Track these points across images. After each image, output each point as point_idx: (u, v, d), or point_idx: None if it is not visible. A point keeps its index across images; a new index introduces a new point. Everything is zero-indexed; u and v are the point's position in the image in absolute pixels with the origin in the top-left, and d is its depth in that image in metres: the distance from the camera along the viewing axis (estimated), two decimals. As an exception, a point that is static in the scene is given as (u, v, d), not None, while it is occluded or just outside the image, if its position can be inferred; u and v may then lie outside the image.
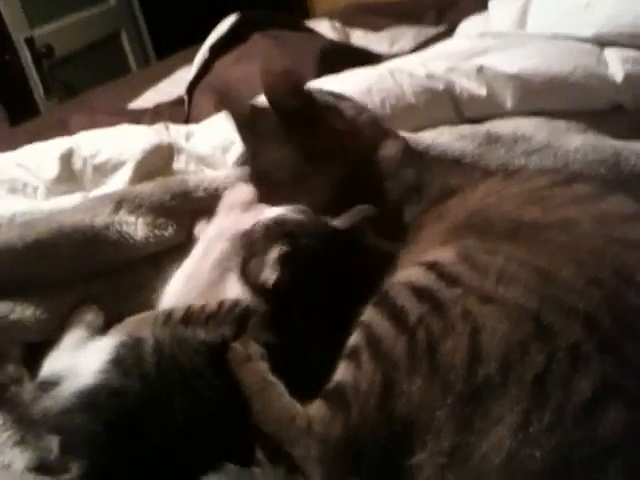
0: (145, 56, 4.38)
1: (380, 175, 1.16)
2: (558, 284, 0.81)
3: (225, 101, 1.28)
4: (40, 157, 1.33)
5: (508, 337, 0.77)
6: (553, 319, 0.77)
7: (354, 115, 1.21)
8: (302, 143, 1.14)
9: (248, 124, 1.19)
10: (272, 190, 1.12)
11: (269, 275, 0.96)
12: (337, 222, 1.05)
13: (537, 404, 0.73)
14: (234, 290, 1.04)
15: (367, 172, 1.15)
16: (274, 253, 0.97)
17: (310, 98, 1.19)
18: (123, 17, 4.28)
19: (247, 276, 1.01)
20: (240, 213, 1.12)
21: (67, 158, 1.30)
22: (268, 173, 1.16)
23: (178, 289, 1.09)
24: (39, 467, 0.86)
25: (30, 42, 3.55)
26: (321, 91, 1.25)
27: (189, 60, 2.41)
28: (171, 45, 3.23)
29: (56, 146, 1.33)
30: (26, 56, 3.56)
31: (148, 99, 2.42)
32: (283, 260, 0.96)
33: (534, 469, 0.71)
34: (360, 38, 2.44)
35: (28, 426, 0.91)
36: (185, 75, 2.27)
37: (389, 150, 1.19)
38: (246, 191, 1.15)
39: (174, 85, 2.45)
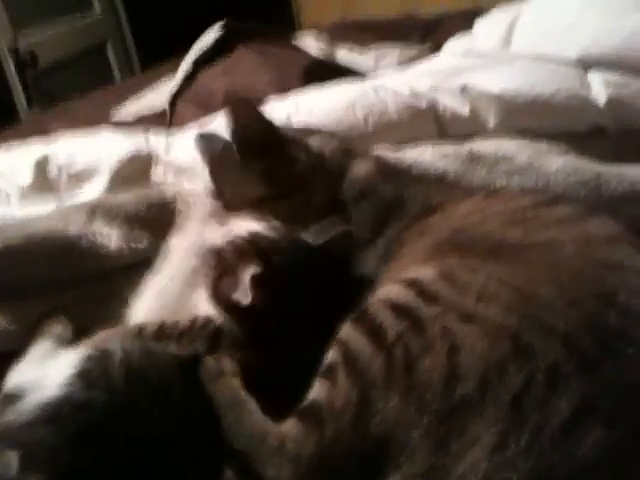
0: (130, 68, 4.38)
1: (353, 197, 1.14)
2: (538, 304, 0.80)
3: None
4: (15, 163, 1.31)
5: (487, 356, 0.76)
6: (533, 338, 0.76)
7: (321, 146, 1.20)
8: (267, 177, 1.13)
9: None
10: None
11: (242, 297, 0.94)
12: (311, 238, 1.03)
13: (514, 425, 0.71)
14: (205, 307, 1.02)
15: (339, 196, 1.14)
16: (247, 274, 0.94)
17: (274, 129, 1.18)
18: (109, 28, 4.28)
19: (218, 296, 0.99)
20: (209, 227, 1.09)
21: (42, 165, 1.28)
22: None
23: (148, 305, 1.06)
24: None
25: (14, 51, 3.53)
26: (287, 127, 1.24)
27: (173, 71, 2.40)
28: (157, 57, 3.22)
29: (31, 153, 1.31)
30: (9, 65, 3.53)
31: (130, 110, 2.40)
32: (257, 281, 0.94)
33: (511, 491, 0.69)
34: (346, 54, 2.43)
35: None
36: (167, 85, 2.26)
37: (360, 170, 1.18)
38: (214, 203, 1.12)
39: (157, 95, 2.43)
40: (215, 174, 1.15)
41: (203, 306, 1.02)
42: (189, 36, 2.21)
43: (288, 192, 1.11)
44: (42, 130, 1.97)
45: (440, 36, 2.30)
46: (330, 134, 1.25)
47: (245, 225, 1.02)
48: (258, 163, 1.12)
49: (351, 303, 0.91)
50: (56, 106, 2.91)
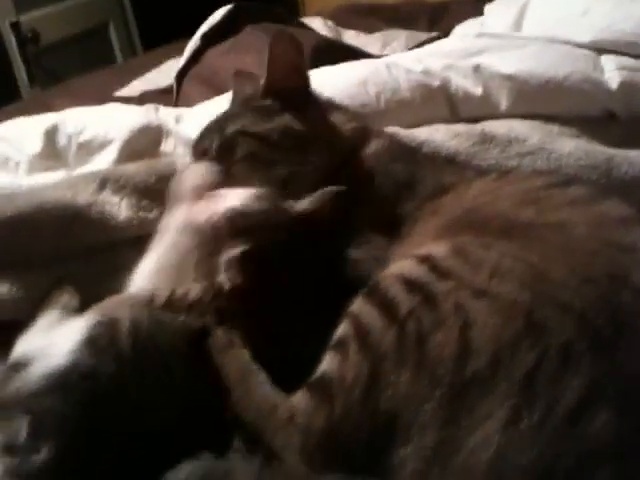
0: (132, 48, 4.34)
1: (367, 172, 1.13)
2: (552, 281, 0.79)
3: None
4: (24, 132, 1.30)
5: (499, 332, 0.75)
6: (546, 316, 0.76)
7: (342, 121, 1.20)
8: (288, 125, 1.12)
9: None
10: (237, 167, 1.08)
11: (223, 279, 0.93)
12: (300, 205, 1.01)
13: (527, 401, 0.71)
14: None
15: (353, 170, 1.13)
16: (227, 255, 0.94)
17: (308, 84, 1.17)
18: (111, 8, 4.24)
19: (207, 278, 0.98)
20: (195, 203, 1.05)
21: (51, 134, 1.26)
22: (237, 145, 1.11)
23: (146, 279, 1.05)
24: (7, 449, 0.82)
25: (16, 27, 3.50)
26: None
27: (176, 53, 2.39)
28: (158, 39, 3.20)
29: (40, 122, 1.29)
30: (11, 40, 3.51)
31: (135, 88, 2.39)
32: (243, 260, 0.93)
33: (523, 465, 0.69)
34: (352, 39, 2.42)
35: (-2, 407, 0.87)
36: (174, 66, 2.25)
37: (373, 147, 1.17)
38: (199, 174, 1.08)
39: (162, 75, 2.42)
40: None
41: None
42: (191, 19, 2.19)
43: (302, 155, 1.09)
44: (45, 107, 1.96)
45: (447, 22, 2.29)
46: (352, 113, 1.24)
47: (226, 201, 0.99)
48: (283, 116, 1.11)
49: (361, 280, 0.91)
50: (58, 84, 2.90)
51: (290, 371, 0.89)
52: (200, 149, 1.14)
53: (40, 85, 3.49)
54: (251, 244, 0.94)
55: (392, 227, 1.05)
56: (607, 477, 0.68)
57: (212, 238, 0.97)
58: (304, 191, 1.03)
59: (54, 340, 0.90)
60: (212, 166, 1.08)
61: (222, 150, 1.10)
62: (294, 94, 1.14)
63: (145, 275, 1.05)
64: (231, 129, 1.10)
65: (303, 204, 1.01)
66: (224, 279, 0.93)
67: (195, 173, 1.09)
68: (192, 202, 1.05)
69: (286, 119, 1.12)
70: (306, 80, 1.18)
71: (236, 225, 0.97)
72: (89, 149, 1.26)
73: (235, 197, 1.00)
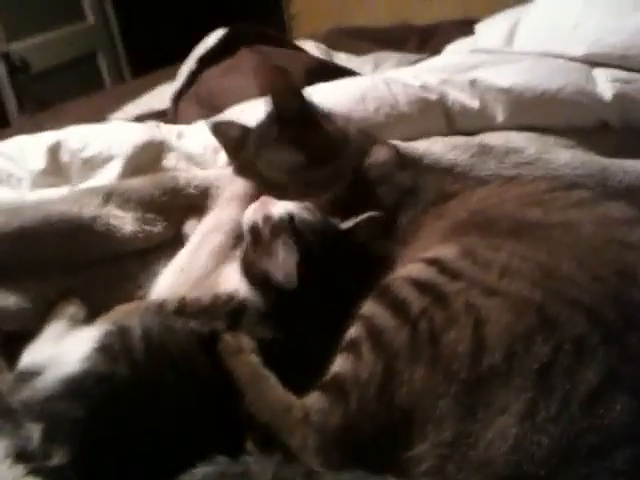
0: (120, 76, 4.37)
1: (373, 180, 1.16)
2: (562, 279, 0.81)
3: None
4: (26, 149, 1.30)
5: (513, 328, 0.76)
6: (557, 311, 0.77)
7: (345, 124, 1.22)
8: (300, 144, 1.14)
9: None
10: (273, 187, 1.11)
11: (275, 272, 0.95)
12: (343, 224, 1.04)
13: (543, 393, 0.72)
14: (230, 282, 1.03)
15: (360, 177, 1.15)
16: (285, 252, 0.95)
17: (307, 100, 1.19)
18: (101, 37, 4.27)
19: (249, 270, 1.00)
20: (239, 206, 1.09)
21: (55, 151, 1.27)
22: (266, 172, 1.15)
23: (170, 280, 1.06)
24: (19, 455, 0.81)
25: (5, 56, 3.51)
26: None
27: (165, 78, 2.41)
28: (147, 67, 3.22)
29: (43, 138, 1.30)
30: (1, 70, 3.52)
31: (129, 112, 2.40)
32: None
33: (540, 456, 0.69)
34: (344, 61, 2.45)
35: (6, 415, 0.86)
36: (167, 90, 2.27)
37: (380, 156, 1.20)
38: (245, 185, 1.13)
39: (156, 99, 2.44)
40: (232, 156, 1.17)
41: (230, 281, 1.03)
42: (179, 47, 2.22)
43: (320, 160, 1.11)
44: (38, 127, 1.96)
45: (436, 43, 2.33)
46: (348, 118, 1.26)
47: (282, 205, 1.02)
48: (292, 130, 1.13)
49: (369, 284, 0.92)
50: (47, 111, 2.90)
51: (298, 376, 0.89)
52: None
53: (29, 113, 3.49)
54: (299, 246, 0.96)
55: (398, 232, 1.06)
56: (625, 460, 0.69)
57: (261, 236, 0.99)
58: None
59: (65, 349, 0.90)
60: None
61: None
62: (295, 113, 1.16)
63: (175, 270, 1.06)
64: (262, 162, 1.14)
65: (348, 224, 1.04)
66: (276, 270, 0.94)
67: (242, 184, 1.13)
68: (238, 206, 1.08)
69: (292, 147, 1.14)
70: (300, 95, 1.19)
71: (288, 225, 0.99)
72: (93, 165, 1.27)
73: (288, 204, 1.03)
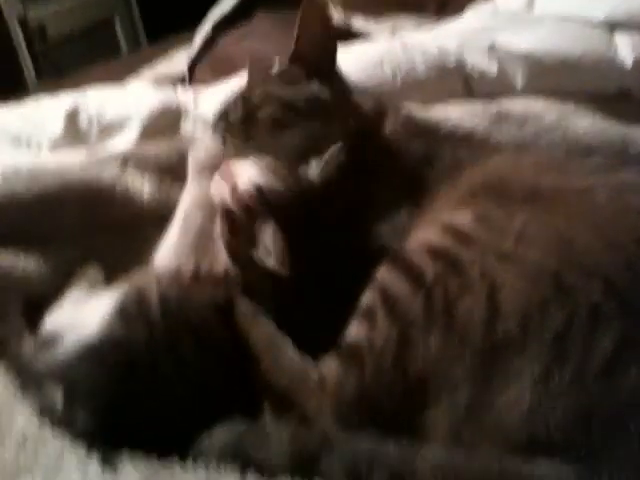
0: (137, 43, 4.35)
1: (387, 147, 1.14)
2: (578, 246, 0.80)
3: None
4: (45, 112, 1.31)
5: (528, 295, 0.77)
6: (573, 279, 0.77)
7: (362, 100, 1.20)
8: (314, 92, 1.13)
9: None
10: (257, 135, 1.09)
11: (263, 256, 0.94)
12: (310, 172, 1.01)
13: (558, 360, 0.72)
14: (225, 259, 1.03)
15: (373, 145, 1.14)
16: (266, 234, 0.94)
17: (335, 55, 1.18)
18: (117, 2, 4.25)
19: (234, 255, 0.99)
20: (209, 176, 1.04)
21: (73, 115, 1.28)
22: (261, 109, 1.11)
23: (165, 256, 1.06)
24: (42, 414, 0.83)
25: (23, 22, 3.51)
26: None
27: (182, 44, 2.39)
28: (163, 32, 3.20)
29: (62, 102, 1.30)
30: (18, 36, 3.52)
31: (145, 78, 2.39)
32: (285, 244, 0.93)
33: (555, 422, 0.70)
34: (361, 25, 2.42)
35: (30, 378, 0.88)
36: (184, 56, 2.26)
37: (391, 124, 1.18)
38: (209, 150, 1.09)
39: (173, 65, 2.42)
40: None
41: (223, 258, 1.03)
42: (196, 12, 2.20)
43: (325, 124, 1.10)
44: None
45: (456, 7, 2.28)
46: (368, 94, 1.25)
47: (247, 176, 0.98)
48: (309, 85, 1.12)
49: (381, 253, 0.92)
50: (65, 77, 2.90)
51: (313, 343, 0.90)
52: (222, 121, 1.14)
53: (47, 79, 3.50)
54: (278, 222, 0.94)
55: (412, 200, 1.06)
56: None
57: (237, 218, 0.97)
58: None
59: (84, 313, 0.91)
60: (217, 138, 1.08)
61: (246, 117, 1.10)
62: (321, 63, 1.14)
63: (166, 252, 1.06)
64: (255, 93, 1.10)
65: (312, 169, 1.00)
66: (263, 255, 0.93)
67: (205, 149, 1.09)
68: (204, 178, 1.06)
69: (312, 87, 1.13)
70: (333, 51, 1.17)
71: (258, 202, 0.97)
72: (110, 129, 1.27)
73: (251, 171, 0.99)
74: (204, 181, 1.06)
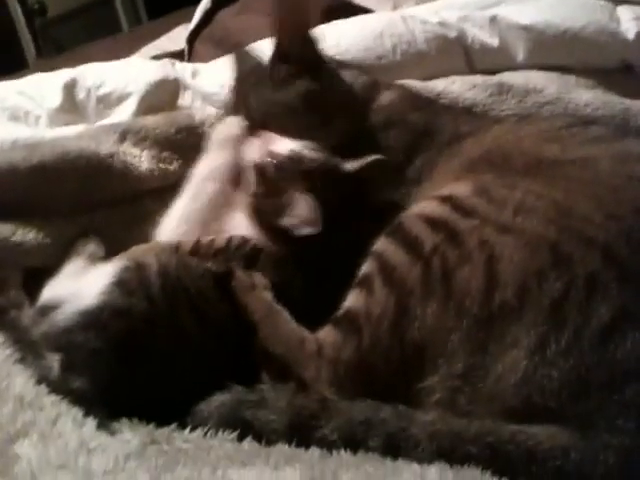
0: (138, 20, 4.32)
1: (380, 123, 1.14)
2: (577, 216, 0.80)
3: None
4: (43, 86, 1.30)
5: (526, 264, 0.77)
6: (571, 249, 0.77)
7: (352, 77, 1.20)
8: (307, 89, 1.12)
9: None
10: (271, 126, 1.08)
11: (292, 222, 0.95)
12: (350, 165, 1.03)
13: (554, 328, 0.73)
14: (237, 229, 1.03)
15: (367, 123, 1.13)
16: (306, 202, 0.95)
17: (316, 49, 1.17)
18: (117, -20, 4.22)
19: (261, 217, 1.00)
20: (232, 149, 1.07)
21: (70, 88, 1.27)
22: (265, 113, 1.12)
23: (173, 229, 1.06)
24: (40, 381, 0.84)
25: (22, 0, 3.49)
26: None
27: (182, 21, 2.37)
28: (164, 10, 3.19)
29: (59, 76, 1.30)
30: (17, 13, 3.50)
31: (145, 54, 2.38)
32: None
33: (550, 389, 0.71)
34: (363, 1, 2.40)
35: (28, 347, 0.88)
36: (183, 32, 2.24)
37: (386, 98, 1.18)
38: (236, 124, 1.09)
39: (172, 42, 2.41)
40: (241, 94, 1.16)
41: (237, 228, 1.03)
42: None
43: (326, 116, 1.10)
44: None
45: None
46: (358, 72, 1.24)
47: (286, 143, 1.01)
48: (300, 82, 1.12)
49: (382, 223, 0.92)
50: (64, 54, 2.89)
51: (311, 313, 0.91)
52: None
53: (47, 56, 3.49)
54: (311, 190, 0.96)
55: (412, 173, 1.06)
56: (636, 394, 0.69)
57: (268, 178, 0.99)
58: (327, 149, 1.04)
59: (83, 283, 0.92)
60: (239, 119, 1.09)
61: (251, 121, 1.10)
62: (304, 56, 1.13)
63: (175, 220, 1.06)
64: (254, 101, 1.10)
65: (352, 165, 1.02)
66: (292, 221, 0.95)
67: (233, 124, 1.09)
68: (232, 149, 1.06)
69: (302, 85, 1.12)
70: (314, 41, 1.16)
71: (295, 165, 0.98)
72: (108, 102, 1.27)
73: (292, 142, 1.01)
74: (223, 155, 1.06)
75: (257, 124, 1.08)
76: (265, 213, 1.00)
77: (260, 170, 1.00)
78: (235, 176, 1.06)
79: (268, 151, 1.00)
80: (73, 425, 0.62)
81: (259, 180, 1.00)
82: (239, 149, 1.06)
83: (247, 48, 1.31)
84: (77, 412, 0.66)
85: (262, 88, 1.13)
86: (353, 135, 1.10)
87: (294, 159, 0.99)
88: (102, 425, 0.68)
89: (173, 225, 1.06)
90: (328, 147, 1.04)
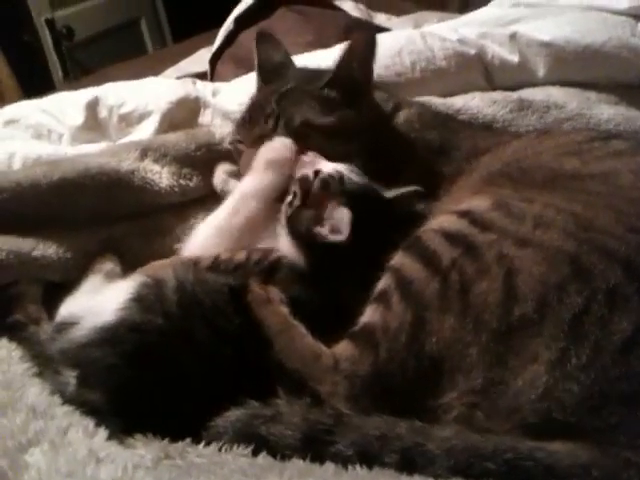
0: (163, 43, 4.39)
1: (401, 140, 1.15)
2: (597, 230, 0.79)
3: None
4: (66, 105, 1.32)
5: (545, 278, 0.76)
6: (592, 262, 0.76)
7: (383, 99, 1.21)
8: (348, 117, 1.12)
9: None
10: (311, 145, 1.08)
11: (326, 232, 0.95)
12: (387, 193, 1.03)
13: (575, 342, 0.72)
14: (267, 241, 1.04)
15: (387, 141, 1.14)
16: (338, 212, 0.95)
17: (371, 79, 1.18)
18: (143, 4, 4.30)
19: (294, 223, 1.00)
20: (277, 171, 1.07)
21: (93, 106, 1.29)
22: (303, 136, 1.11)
23: (205, 240, 1.06)
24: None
25: (50, 23, 3.56)
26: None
27: (206, 43, 2.40)
28: (189, 33, 3.23)
29: (82, 95, 1.32)
30: (46, 37, 3.57)
31: (168, 76, 2.41)
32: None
33: (571, 404, 0.69)
34: (383, 22, 2.42)
35: (45, 363, 0.89)
36: (205, 54, 2.27)
37: (403, 116, 1.18)
38: (285, 147, 1.09)
39: (195, 64, 2.45)
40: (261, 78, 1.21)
41: (268, 240, 1.04)
42: (221, 12, 2.21)
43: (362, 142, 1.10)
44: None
45: (480, 1, 2.27)
46: (383, 89, 1.25)
47: (331, 164, 1.02)
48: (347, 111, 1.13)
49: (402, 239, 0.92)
50: (90, 76, 2.94)
51: (328, 328, 0.90)
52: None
53: (74, 79, 3.55)
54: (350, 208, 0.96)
55: (430, 189, 1.05)
56: None
57: (311, 191, 0.99)
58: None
59: (101, 300, 0.92)
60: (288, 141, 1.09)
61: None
62: (356, 86, 1.13)
63: (209, 232, 1.07)
64: (297, 121, 1.10)
65: (392, 193, 1.03)
66: (327, 231, 0.96)
67: (282, 146, 1.09)
68: (269, 173, 1.07)
69: (347, 114, 1.12)
70: (370, 75, 1.16)
71: (338, 185, 0.99)
72: (129, 121, 1.28)
73: (337, 165, 1.02)
74: (270, 176, 1.06)
75: (297, 138, 1.08)
76: (300, 223, 1.00)
77: (305, 184, 1.00)
78: (278, 197, 1.06)
79: (315, 169, 1.01)
80: (84, 435, 0.62)
81: (302, 193, 1.00)
82: (287, 172, 1.06)
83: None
84: (89, 422, 0.66)
85: (306, 108, 1.12)
86: (377, 154, 1.10)
87: (338, 179, 1.00)
88: (114, 436, 0.67)
89: (205, 236, 1.07)
90: (364, 169, 1.05)
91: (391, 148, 1.12)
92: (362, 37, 1.13)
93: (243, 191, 1.07)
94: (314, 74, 1.19)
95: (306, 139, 1.08)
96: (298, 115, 1.11)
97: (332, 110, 1.12)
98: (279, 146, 1.08)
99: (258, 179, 1.07)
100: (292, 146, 1.07)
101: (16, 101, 1.51)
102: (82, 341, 0.85)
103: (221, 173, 1.19)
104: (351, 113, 1.12)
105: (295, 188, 1.01)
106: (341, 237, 0.94)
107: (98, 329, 0.85)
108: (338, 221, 0.95)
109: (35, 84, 3.32)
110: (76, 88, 2.10)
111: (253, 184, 1.07)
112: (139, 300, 0.88)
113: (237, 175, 1.17)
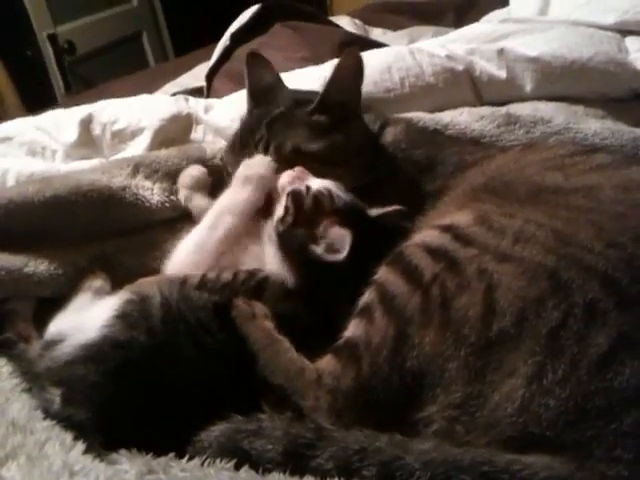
0: (164, 57, 4.43)
1: (386, 162, 1.16)
2: (576, 245, 0.80)
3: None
4: (60, 122, 1.34)
5: (524, 293, 0.77)
6: (570, 277, 0.77)
7: (371, 121, 1.23)
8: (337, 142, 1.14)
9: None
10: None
11: (322, 250, 0.96)
12: (371, 211, 1.04)
13: (552, 356, 0.72)
14: (251, 260, 1.05)
15: (375, 161, 1.15)
16: (340, 233, 0.96)
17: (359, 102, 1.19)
18: (145, 18, 4.33)
19: (285, 240, 1.01)
20: (255, 188, 1.08)
21: (86, 123, 1.31)
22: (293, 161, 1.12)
23: (187, 256, 1.07)
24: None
25: (53, 38, 3.60)
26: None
27: (206, 57, 2.43)
28: (190, 47, 3.26)
29: (76, 112, 1.34)
30: (48, 52, 3.61)
31: (167, 91, 2.43)
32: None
33: (547, 418, 0.70)
34: (379, 36, 2.44)
35: (33, 380, 0.90)
36: (204, 68, 2.29)
37: (389, 135, 1.20)
38: (264, 164, 1.10)
39: (193, 78, 2.47)
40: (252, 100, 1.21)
41: (251, 259, 1.05)
42: (222, 26, 2.24)
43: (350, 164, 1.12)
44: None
45: (474, 17, 2.29)
46: (372, 107, 1.26)
47: (319, 180, 1.03)
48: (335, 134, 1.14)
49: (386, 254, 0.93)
50: (91, 90, 2.96)
51: (312, 343, 0.91)
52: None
53: (76, 93, 3.58)
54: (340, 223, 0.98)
55: (415, 207, 1.07)
56: (634, 423, 0.68)
57: (303, 209, 1.00)
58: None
59: (87, 317, 0.93)
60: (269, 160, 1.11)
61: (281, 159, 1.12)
62: (345, 109, 1.15)
63: (189, 248, 1.07)
64: (288, 147, 1.11)
65: (375, 212, 1.04)
66: (323, 250, 0.96)
67: (261, 163, 1.10)
68: (247, 189, 1.08)
69: (336, 138, 1.13)
70: (359, 96, 1.18)
71: (331, 202, 1.00)
72: (122, 137, 1.30)
73: (324, 181, 1.04)
74: (248, 191, 1.07)
75: (287, 163, 1.09)
76: (292, 240, 1.01)
77: (297, 198, 1.01)
78: (256, 213, 1.08)
79: (305, 185, 1.02)
80: (60, 448, 0.63)
81: (294, 209, 1.01)
82: (265, 188, 1.08)
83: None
84: (66, 436, 0.67)
85: (296, 134, 1.14)
86: (364, 174, 1.11)
87: (328, 196, 1.01)
88: (91, 450, 0.68)
89: (185, 253, 1.08)
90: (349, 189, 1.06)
91: (378, 168, 1.14)
92: (350, 59, 1.14)
93: (222, 206, 1.08)
94: (304, 96, 1.20)
95: (296, 164, 1.09)
96: (289, 141, 1.12)
97: (322, 135, 1.13)
98: (258, 163, 1.10)
99: (237, 194, 1.08)
100: (271, 163, 1.09)
101: (18, 116, 1.54)
102: (67, 359, 0.86)
103: (184, 190, 1.19)
104: (340, 137, 1.13)
105: (287, 203, 1.02)
106: (339, 257, 0.94)
107: (82, 346, 0.86)
108: (336, 241, 0.96)
109: (37, 98, 3.36)
110: (78, 102, 2.13)
111: (231, 199, 1.08)
112: (123, 317, 0.89)
113: (201, 187, 1.19)
